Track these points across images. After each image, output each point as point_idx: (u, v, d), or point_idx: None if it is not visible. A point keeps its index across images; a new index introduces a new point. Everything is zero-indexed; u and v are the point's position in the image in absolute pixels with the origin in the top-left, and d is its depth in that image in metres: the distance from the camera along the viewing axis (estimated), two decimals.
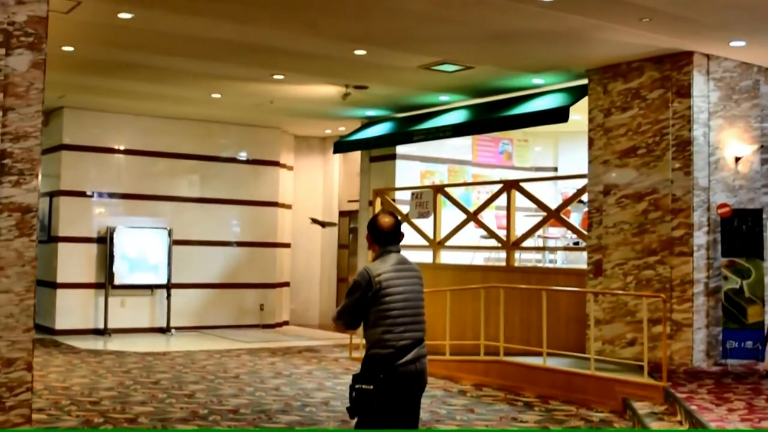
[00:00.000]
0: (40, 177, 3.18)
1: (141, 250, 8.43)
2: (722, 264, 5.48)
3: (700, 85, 5.53)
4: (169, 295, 8.56)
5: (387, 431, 2.50)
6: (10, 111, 3.11)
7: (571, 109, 6.22)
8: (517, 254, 6.99)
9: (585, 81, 6.22)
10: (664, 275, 5.54)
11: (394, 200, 8.00)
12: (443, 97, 7.49)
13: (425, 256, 7.46)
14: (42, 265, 7.55)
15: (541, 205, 6.75)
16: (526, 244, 6.91)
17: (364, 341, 2.67)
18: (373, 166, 8.57)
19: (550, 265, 7.32)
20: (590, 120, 6.11)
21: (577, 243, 6.94)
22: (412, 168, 8.33)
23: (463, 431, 4.24)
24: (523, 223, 7.16)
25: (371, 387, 2.48)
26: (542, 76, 6.47)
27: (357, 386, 2.51)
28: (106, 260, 8.26)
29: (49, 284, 8.22)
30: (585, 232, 6.27)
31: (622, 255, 5.79)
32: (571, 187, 7.42)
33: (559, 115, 6.25)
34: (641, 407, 4.51)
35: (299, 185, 10.23)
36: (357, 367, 2.67)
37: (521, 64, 6.09)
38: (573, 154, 8.10)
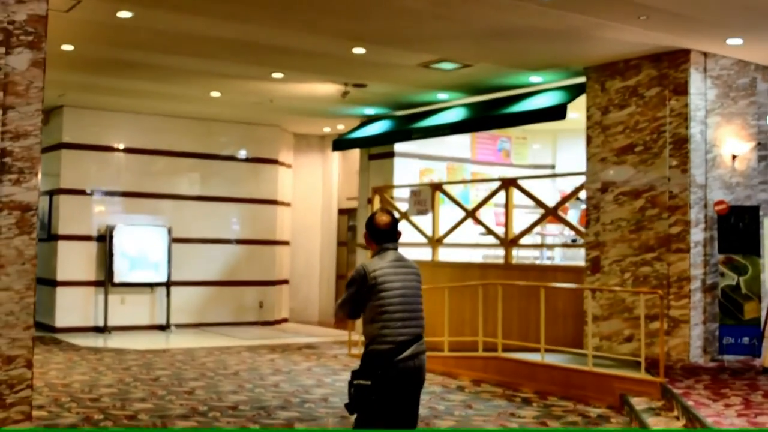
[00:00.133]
0: (40, 175, 3.19)
1: (141, 248, 8.45)
2: (719, 260, 5.51)
3: (697, 82, 5.55)
4: (168, 293, 8.58)
5: (384, 431, 2.52)
6: (10, 109, 3.13)
7: (569, 106, 6.23)
8: (515, 251, 7.01)
9: (583, 79, 6.23)
10: (661, 272, 5.56)
11: (392, 198, 8.02)
12: (442, 95, 7.50)
13: (424, 254, 7.48)
14: (42, 264, 7.57)
15: (539, 203, 6.77)
16: (524, 241, 6.93)
17: (363, 338, 2.69)
18: (372, 163, 8.58)
19: (548, 262, 7.34)
20: (588, 118, 6.13)
21: (574, 240, 6.96)
22: (411, 166, 8.34)
23: (460, 431, 4.27)
24: (521, 220, 7.18)
25: (369, 383, 2.50)
26: (540, 74, 6.48)
27: (355, 382, 2.53)
28: (106, 258, 8.28)
29: (49, 282, 8.24)
30: (583, 229, 6.29)
31: (620, 252, 5.82)
32: (569, 184, 7.44)
33: (556, 113, 6.27)
34: (638, 403, 4.54)
35: (298, 183, 10.25)
36: (356, 364, 2.69)
37: (519, 62, 6.10)
38: (571, 152, 8.12)
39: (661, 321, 4.99)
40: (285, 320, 9.78)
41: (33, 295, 3.16)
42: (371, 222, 2.71)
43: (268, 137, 9.53)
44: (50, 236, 8.37)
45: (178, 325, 8.65)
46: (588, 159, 6.12)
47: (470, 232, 7.60)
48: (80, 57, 6.15)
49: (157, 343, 7.64)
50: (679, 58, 5.55)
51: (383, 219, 2.71)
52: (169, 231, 8.66)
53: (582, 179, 6.28)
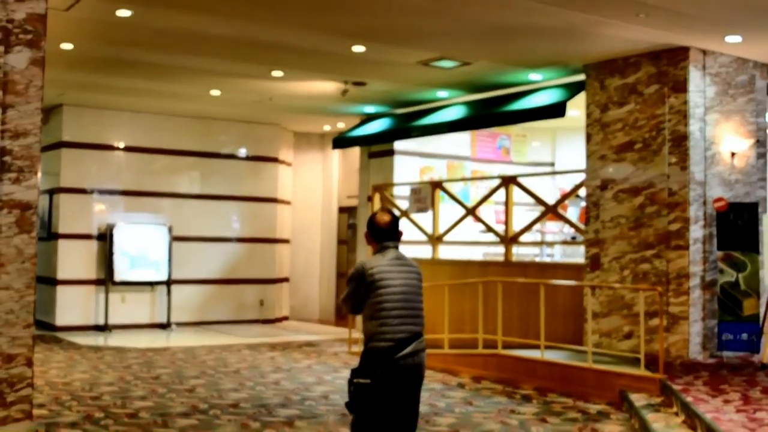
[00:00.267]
0: (39, 174, 3.20)
1: (141, 247, 8.46)
2: (718, 257, 5.51)
3: (696, 80, 5.55)
4: (169, 291, 8.59)
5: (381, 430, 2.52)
6: (9, 108, 3.13)
7: (569, 104, 6.23)
8: (515, 249, 7.02)
9: (582, 76, 6.23)
10: (660, 269, 5.57)
11: (393, 196, 8.02)
12: (441, 93, 7.50)
13: (424, 251, 7.49)
14: (42, 262, 7.57)
15: (539, 200, 6.77)
16: (524, 238, 6.94)
17: (363, 335, 2.70)
18: (371, 161, 8.58)
19: (548, 260, 7.35)
20: (587, 115, 6.13)
21: (574, 237, 6.97)
22: (411, 164, 8.34)
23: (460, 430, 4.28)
24: (521, 217, 7.18)
25: (368, 381, 2.51)
26: (540, 71, 6.48)
27: (354, 381, 2.53)
28: (107, 257, 8.29)
29: (49, 281, 8.25)
30: (582, 227, 6.30)
31: (619, 249, 5.83)
32: (568, 182, 7.44)
33: (556, 111, 6.27)
34: (638, 399, 4.55)
35: (298, 181, 10.25)
36: (356, 362, 2.69)
37: (519, 59, 6.10)
38: (570, 149, 8.13)
39: (661, 318, 5.00)
40: (285, 318, 9.80)
41: (33, 294, 3.16)
42: (372, 221, 2.73)
43: (268, 135, 9.53)
44: (50, 235, 8.37)
45: (178, 324, 8.66)
46: (587, 156, 6.12)
47: (470, 229, 7.61)
48: (80, 56, 6.15)
49: (157, 342, 7.65)
50: (678, 55, 5.55)
51: (383, 218, 2.72)
52: (170, 229, 8.67)
53: (581, 177, 6.28)
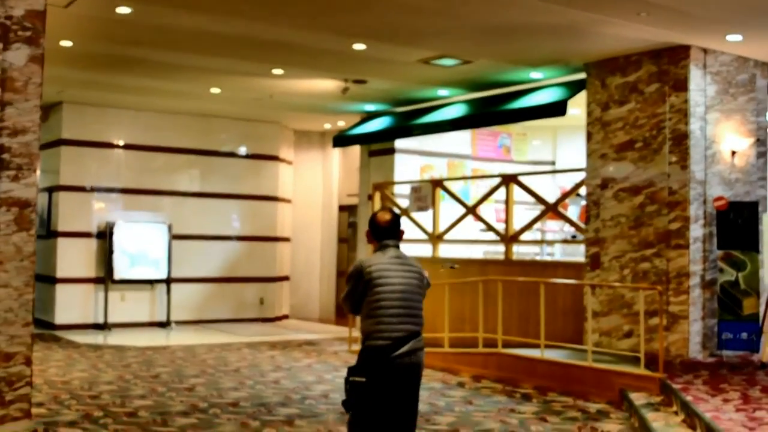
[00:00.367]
0: (38, 171, 3.19)
1: (141, 245, 8.45)
2: (718, 256, 5.51)
3: (697, 79, 5.54)
4: (169, 290, 8.58)
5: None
6: (8, 105, 3.12)
7: (569, 103, 6.22)
8: (515, 247, 7.01)
9: (583, 75, 6.22)
10: (660, 268, 5.57)
11: (393, 194, 8.01)
12: (442, 92, 7.49)
13: (424, 250, 7.49)
14: (41, 260, 7.56)
15: (539, 199, 6.77)
16: (524, 237, 6.93)
17: (360, 334, 2.70)
18: (372, 160, 8.57)
19: (548, 258, 7.35)
20: (588, 114, 6.12)
21: (574, 236, 6.97)
22: (412, 162, 8.34)
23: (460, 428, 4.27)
24: (521, 216, 7.17)
25: (364, 379, 2.50)
26: (540, 70, 6.47)
27: (350, 379, 2.53)
28: (106, 255, 8.28)
29: (48, 279, 8.24)
30: (583, 226, 6.29)
31: (620, 248, 5.82)
32: (569, 180, 7.44)
33: (556, 109, 6.26)
34: (638, 398, 4.55)
35: (299, 180, 10.24)
36: (355, 360, 2.68)
37: (520, 58, 6.08)
38: (571, 148, 8.11)
39: (661, 317, 4.99)
40: (285, 317, 9.79)
41: (32, 292, 3.15)
42: (373, 219, 2.73)
43: (268, 134, 9.51)
44: (49, 233, 8.36)
45: (178, 322, 8.65)
46: (588, 155, 6.11)
47: (470, 228, 7.60)
48: (79, 53, 6.13)
49: (157, 340, 7.64)
50: (679, 54, 5.54)
51: (384, 217, 2.72)
52: (169, 228, 8.66)
53: (582, 175, 6.27)
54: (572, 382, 5.13)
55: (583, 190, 6.40)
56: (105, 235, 8.33)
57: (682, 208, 5.50)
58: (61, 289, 8.23)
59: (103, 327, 8.23)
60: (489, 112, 7.05)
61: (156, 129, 8.81)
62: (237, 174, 9.29)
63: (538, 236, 7.47)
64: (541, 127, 8.67)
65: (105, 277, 8.29)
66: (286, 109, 8.62)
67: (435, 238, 7.45)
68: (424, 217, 7.54)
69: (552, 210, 6.62)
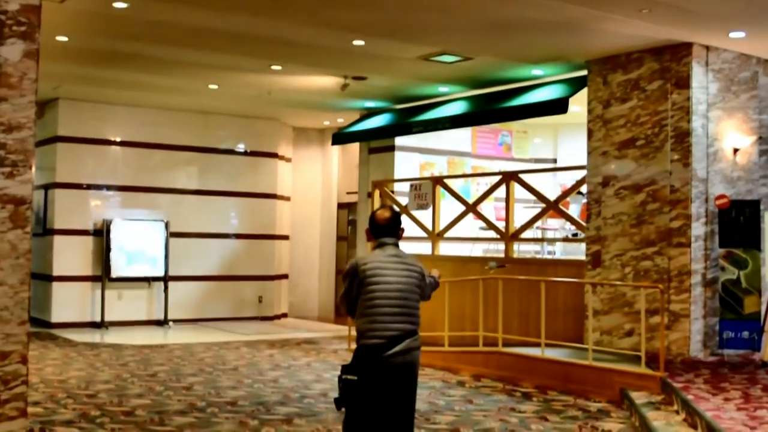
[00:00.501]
0: (34, 168, 3.14)
1: (138, 243, 8.40)
2: (720, 255, 5.49)
3: (699, 76, 5.51)
4: (166, 288, 8.54)
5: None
6: (3, 101, 3.07)
7: (571, 100, 6.19)
8: (516, 246, 6.99)
9: (584, 72, 6.19)
10: (662, 266, 5.55)
11: (393, 192, 7.98)
12: (442, 88, 7.45)
13: (424, 248, 7.46)
14: (38, 259, 7.52)
15: (540, 197, 6.74)
16: (525, 235, 6.91)
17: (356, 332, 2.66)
18: (372, 157, 8.54)
19: (549, 257, 7.33)
20: (589, 111, 6.09)
21: (575, 234, 6.94)
22: (412, 160, 8.30)
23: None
24: (522, 214, 7.15)
25: (355, 378, 2.48)
26: (542, 67, 6.43)
27: (343, 377, 2.51)
28: (103, 253, 8.23)
29: (45, 277, 8.19)
30: (584, 224, 6.27)
31: (621, 246, 5.80)
32: (570, 178, 7.41)
33: (558, 107, 6.23)
34: (638, 397, 4.53)
35: (298, 177, 10.20)
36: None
37: (521, 55, 6.05)
38: (572, 146, 8.09)
39: (662, 315, 4.98)
40: (284, 315, 9.76)
41: (27, 290, 3.11)
42: (372, 217, 2.71)
43: (267, 131, 9.47)
44: (46, 231, 8.31)
45: (176, 321, 8.61)
46: (589, 153, 6.08)
47: (471, 226, 7.58)
48: (75, 48, 6.08)
49: (154, 339, 7.61)
50: (681, 51, 5.51)
51: (382, 214, 2.69)
52: (167, 225, 8.62)
53: (583, 173, 6.25)
54: (573, 381, 5.11)
55: (584, 188, 6.37)
56: (102, 233, 8.28)
57: (683, 206, 5.48)
58: (57, 288, 8.18)
59: (100, 325, 8.18)
60: (490, 109, 7.02)
61: (153, 125, 8.76)
62: (235, 171, 9.24)
63: (538, 234, 7.44)
64: (542, 125, 8.65)
65: (102, 275, 8.24)
66: (285, 105, 8.57)
67: (435, 236, 7.42)
68: (424, 215, 7.51)
69: (553, 208, 6.60)
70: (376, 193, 7.89)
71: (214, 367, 5.92)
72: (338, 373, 2.61)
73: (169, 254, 8.54)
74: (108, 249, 8.22)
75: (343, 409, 2.54)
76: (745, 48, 5.65)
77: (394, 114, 8.17)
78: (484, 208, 7.45)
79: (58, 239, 8.22)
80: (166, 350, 6.83)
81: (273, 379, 5.48)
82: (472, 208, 7.25)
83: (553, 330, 5.55)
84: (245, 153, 9.37)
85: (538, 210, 6.89)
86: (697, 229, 5.48)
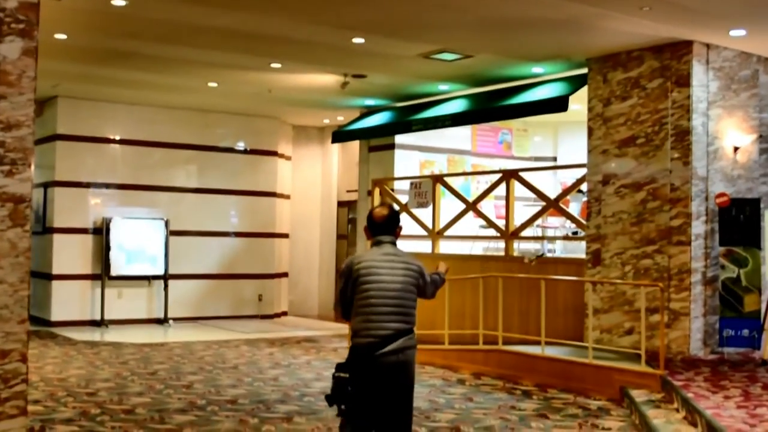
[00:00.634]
0: (33, 167, 3.13)
1: (138, 241, 8.39)
2: (720, 253, 5.49)
3: (699, 74, 5.50)
4: (166, 286, 8.54)
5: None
6: (1, 99, 3.06)
7: (571, 98, 6.18)
8: (516, 244, 6.98)
9: (585, 70, 6.18)
10: (662, 264, 5.54)
11: (393, 190, 7.97)
12: (443, 86, 7.44)
13: (424, 246, 7.45)
14: (37, 257, 7.50)
15: (540, 195, 6.73)
16: (525, 233, 6.90)
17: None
18: (371, 155, 8.52)
19: (549, 255, 7.32)
20: (589, 109, 6.08)
21: (576, 232, 6.94)
22: (412, 158, 8.29)
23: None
24: (522, 212, 7.15)
25: (346, 375, 2.47)
26: (542, 65, 6.42)
27: (335, 374, 2.50)
28: (103, 251, 8.22)
29: (44, 276, 8.19)
30: (584, 222, 6.26)
31: (621, 244, 5.79)
32: (570, 176, 7.40)
33: (558, 105, 6.21)
34: (638, 395, 4.54)
35: (298, 175, 10.19)
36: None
37: (521, 52, 6.03)
38: (572, 144, 8.08)
39: (662, 313, 4.98)
40: (284, 313, 9.76)
41: (27, 288, 3.11)
42: (369, 214, 2.69)
43: (266, 129, 9.45)
44: (45, 229, 8.30)
45: (176, 319, 8.61)
46: (589, 151, 6.08)
47: (471, 224, 7.57)
48: (74, 46, 6.06)
49: (154, 337, 7.60)
50: (681, 49, 5.50)
51: (380, 212, 2.67)
52: (167, 224, 8.61)
53: (583, 171, 6.24)
54: (573, 379, 5.11)
55: (584, 186, 6.37)
56: (101, 231, 8.27)
57: (683, 204, 5.47)
58: (57, 286, 8.17)
59: (100, 324, 8.18)
60: (490, 107, 7.00)
61: (153, 124, 8.74)
62: (235, 169, 9.23)
63: (538, 232, 7.43)
64: (542, 123, 8.64)
65: (102, 274, 8.23)
66: (285, 103, 8.56)
67: (435, 234, 7.42)
68: (424, 214, 7.50)
69: (553, 206, 6.59)
70: (376, 191, 7.88)
71: (214, 366, 5.92)
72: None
73: (168, 252, 8.53)
74: (108, 247, 8.21)
75: (339, 408, 2.53)
76: (746, 46, 5.64)
77: (394, 112, 8.16)
78: (484, 206, 7.44)
79: (57, 237, 8.21)
80: (166, 348, 6.82)
81: (273, 377, 5.48)
82: (472, 206, 7.24)
83: (553, 328, 5.55)
84: (245, 151, 9.35)
85: (538, 208, 6.88)
86: (697, 227, 5.48)
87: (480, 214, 7.22)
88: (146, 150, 8.71)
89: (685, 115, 5.48)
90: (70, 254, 8.20)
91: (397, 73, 6.93)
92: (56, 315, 8.13)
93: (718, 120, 5.64)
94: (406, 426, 2.55)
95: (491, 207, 7.85)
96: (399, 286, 2.55)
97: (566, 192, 6.82)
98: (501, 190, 7.02)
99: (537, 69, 6.57)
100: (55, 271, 8.17)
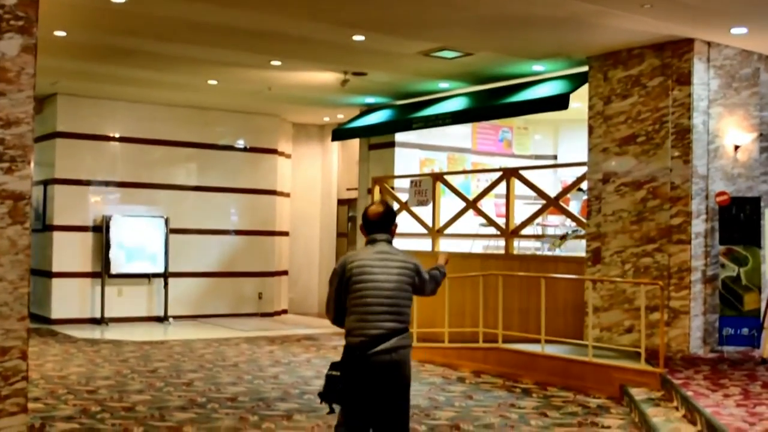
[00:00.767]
0: (32, 164, 3.13)
1: (138, 239, 8.39)
2: (720, 252, 5.48)
3: (700, 72, 5.49)
4: (166, 284, 8.54)
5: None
6: (0, 96, 3.05)
7: (571, 96, 6.17)
8: (516, 242, 6.98)
9: (585, 68, 6.17)
10: (662, 263, 5.54)
11: (393, 188, 7.96)
12: (443, 84, 7.43)
13: (424, 244, 7.45)
14: (37, 255, 7.50)
15: (540, 193, 6.73)
16: (525, 232, 6.90)
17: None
18: (372, 153, 8.52)
19: (549, 253, 7.32)
20: (590, 107, 6.07)
21: (576, 230, 6.93)
22: (412, 156, 8.28)
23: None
24: (522, 211, 7.14)
25: (337, 373, 2.46)
26: (542, 63, 6.41)
27: (327, 372, 2.50)
28: (103, 249, 8.21)
29: (44, 273, 8.19)
30: (584, 220, 6.26)
31: (621, 243, 5.79)
32: (570, 175, 7.40)
33: (559, 103, 6.21)
34: (638, 393, 4.54)
35: (297, 173, 10.18)
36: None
37: (521, 50, 6.02)
38: (573, 142, 8.07)
39: (662, 312, 4.97)
40: (284, 311, 9.76)
41: (27, 286, 3.11)
42: (364, 212, 2.66)
43: (266, 127, 9.44)
44: (45, 227, 8.30)
45: (176, 317, 8.61)
46: (589, 149, 6.07)
47: (471, 222, 7.57)
48: (74, 43, 6.05)
49: (155, 335, 7.61)
50: (682, 47, 5.49)
51: (374, 209, 2.64)
52: (167, 221, 8.60)
53: (583, 170, 6.23)
54: (573, 378, 5.11)
55: (584, 185, 6.36)
56: (101, 229, 8.26)
57: (684, 203, 5.47)
58: (57, 284, 8.17)
59: (100, 321, 8.18)
60: (490, 105, 6.99)
61: (153, 121, 8.73)
62: (235, 167, 9.22)
63: (539, 231, 7.43)
64: (542, 121, 8.62)
65: (102, 272, 8.23)
66: (285, 101, 8.55)
67: (435, 233, 7.41)
68: (424, 212, 7.49)
69: (553, 204, 6.59)
70: (376, 189, 7.87)
71: (214, 364, 5.93)
72: None
73: (168, 250, 8.53)
74: (108, 245, 8.20)
75: (330, 406, 2.52)
76: (747, 44, 5.62)
77: (395, 110, 8.15)
78: (485, 204, 7.44)
79: (57, 235, 8.21)
80: (166, 346, 6.83)
81: (273, 375, 5.48)
82: (472, 204, 7.23)
83: (553, 326, 5.55)
84: (245, 149, 9.34)
85: (538, 206, 6.88)
86: (698, 226, 5.47)
87: (480, 213, 7.22)
88: (146, 148, 8.70)
89: (686, 113, 5.48)
90: (70, 252, 8.20)
91: (397, 71, 6.92)
92: (56, 312, 8.13)
93: (719, 118, 5.63)
94: (402, 426, 2.53)
95: (491, 205, 7.85)
96: (393, 285, 2.52)
97: (566, 190, 6.81)
98: (501, 188, 7.01)
99: (537, 67, 6.56)
100: (55, 268, 8.17)
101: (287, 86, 7.64)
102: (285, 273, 9.86)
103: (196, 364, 5.86)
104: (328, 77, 7.17)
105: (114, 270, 8.23)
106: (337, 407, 2.52)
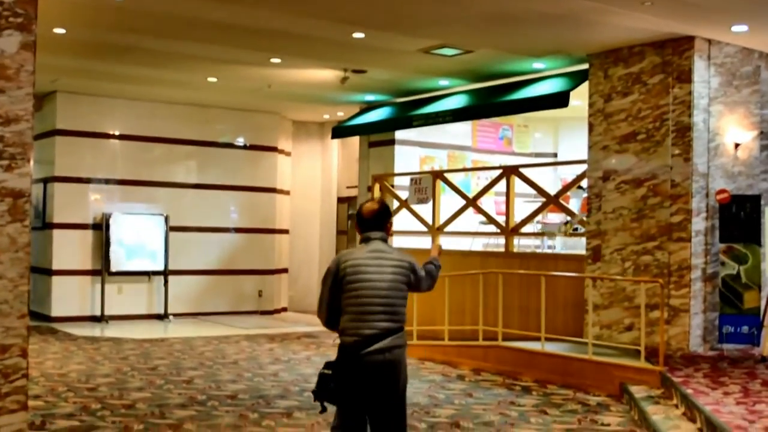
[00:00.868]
0: (32, 161, 3.12)
1: (138, 237, 8.39)
2: (720, 250, 5.48)
3: (700, 70, 5.48)
4: (166, 282, 8.54)
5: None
6: (0, 93, 3.04)
7: (572, 94, 6.16)
8: (516, 240, 6.98)
9: (586, 66, 6.16)
10: (662, 261, 5.54)
11: (393, 186, 7.96)
12: (443, 82, 7.41)
13: (424, 242, 7.45)
14: (37, 252, 7.50)
15: (540, 191, 6.72)
16: (525, 229, 6.90)
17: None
18: (372, 151, 8.51)
19: (549, 251, 7.32)
20: (590, 105, 6.06)
21: (576, 229, 6.93)
22: (412, 153, 8.28)
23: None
24: (522, 208, 7.14)
25: (330, 372, 2.45)
26: (543, 60, 6.40)
27: (320, 371, 2.49)
28: (103, 247, 8.21)
29: (44, 271, 8.19)
30: (584, 218, 6.25)
31: (621, 240, 5.79)
32: (570, 173, 7.39)
33: (559, 100, 6.20)
34: (638, 391, 4.54)
35: (297, 171, 10.17)
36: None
37: (522, 48, 6.01)
38: (573, 140, 8.06)
39: (662, 310, 4.98)
40: (284, 309, 9.77)
41: (27, 284, 3.10)
42: (359, 210, 2.63)
43: (266, 124, 9.43)
44: (45, 224, 8.29)
45: (176, 315, 8.62)
46: (590, 147, 6.06)
47: (471, 220, 7.57)
48: (73, 41, 6.03)
49: (155, 333, 7.61)
50: (683, 45, 5.48)
51: (369, 206, 2.60)
52: (166, 219, 8.60)
53: (584, 167, 6.23)
54: (572, 375, 5.12)
55: (584, 183, 6.36)
56: (101, 227, 8.26)
57: (684, 200, 5.46)
58: (57, 282, 8.17)
59: (100, 319, 8.18)
60: (490, 102, 6.98)
61: (152, 119, 8.72)
62: (235, 165, 9.22)
63: (539, 229, 7.42)
64: (543, 119, 8.61)
65: (102, 269, 8.23)
66: (285, 99, 8.53)
67: (435, 230, 7.41)
68: (424, 209, 7.49)
69: (553, 202, 6.59)
70: (376, 186, 7.86)
71: (214, 361, 5.93)
72: None
73: (168, 248, 8.53)
74: (107, 243, 8.20)
75: (322, 405, 2.51)
76: (748, 42, 5.61)
77: (395, 107, 8.14)
78: (485, 202, 7.43)
79: (57, 233, 8.21)
80: (166, 344, 6.83)
81: (273, 372, 5.49)
82: (472, 202, 7.23)
83: (552, 324, 5.55)
84: (245, 147, 9.33)
85: (538, 204, 6.87)
86: (698, 224, 5.47)
87: (480, 210, 7.21)
88: (146, 145, 8.69)
89: (686, 111, 5.47)
90: (70, 250, 8.20)
91: (397, 69, 6.91)
92: (56, 310, 8.13)
93: (719, 116, 5.62)
94: (399, 426, 2.51)
95: (491, 203, 7.84)
96: (387, 284, 2.49)
97: (566, 188, 6.81)
98: (501, 186, 7.00)
99: (538, 64, 6.55)
100: (55, 266, 8.17)
101: (287, 84, 7.63)
102: (285, 271, 9.86)
103: (196, 362, 5.86)
104: (328, 75, 7.16)
105: (114, 268, 8.23)
106: (329, 406, 2.51)
